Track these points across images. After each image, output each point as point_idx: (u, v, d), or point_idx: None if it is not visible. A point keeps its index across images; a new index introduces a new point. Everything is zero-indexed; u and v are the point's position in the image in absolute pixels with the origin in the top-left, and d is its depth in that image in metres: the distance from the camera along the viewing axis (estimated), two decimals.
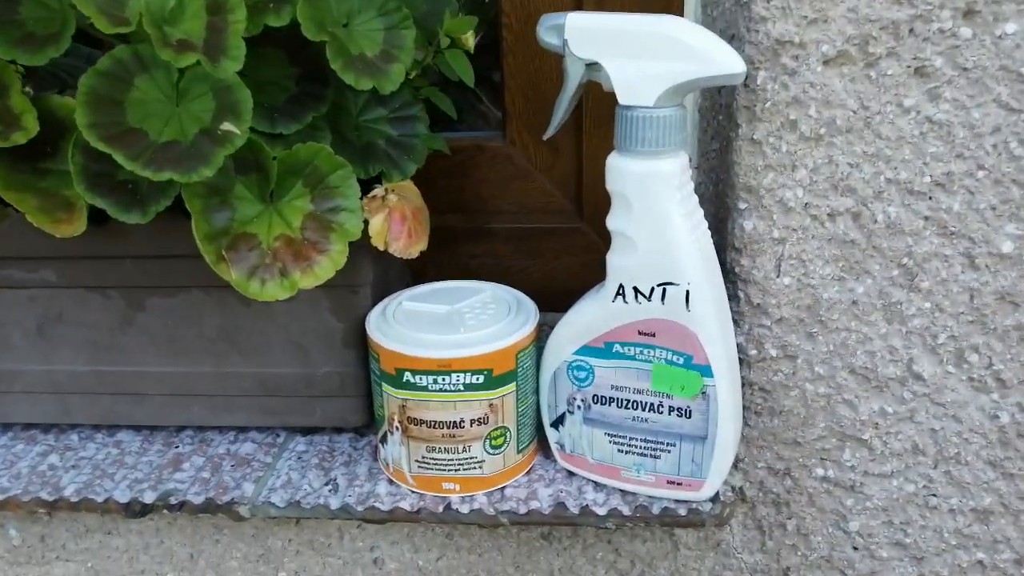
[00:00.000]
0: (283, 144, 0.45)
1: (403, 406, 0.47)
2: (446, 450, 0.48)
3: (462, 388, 0.46)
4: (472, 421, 0.47)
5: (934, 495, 0.54)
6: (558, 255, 0.69)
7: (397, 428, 0.48)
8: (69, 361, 0.53)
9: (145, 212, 0.44)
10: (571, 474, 0.52)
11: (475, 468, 0.49)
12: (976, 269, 0.49)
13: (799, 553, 0.56)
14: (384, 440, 0.50)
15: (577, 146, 0.67)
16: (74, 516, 0.56)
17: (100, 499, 0.50)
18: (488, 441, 0.48)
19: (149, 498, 0.50)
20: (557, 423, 0.51)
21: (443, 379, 0.46)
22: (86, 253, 0.49)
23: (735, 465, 0.54)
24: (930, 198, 0.48)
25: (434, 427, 0.47)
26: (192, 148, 0.40)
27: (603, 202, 0.46)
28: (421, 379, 0.46)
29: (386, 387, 0.48)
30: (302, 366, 0.53)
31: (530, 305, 0.52)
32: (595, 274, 0.49)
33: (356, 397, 0.54)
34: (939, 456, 0.53)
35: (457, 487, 0.49)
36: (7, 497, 0.51)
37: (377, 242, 0.47)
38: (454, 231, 0.69)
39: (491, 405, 0.47)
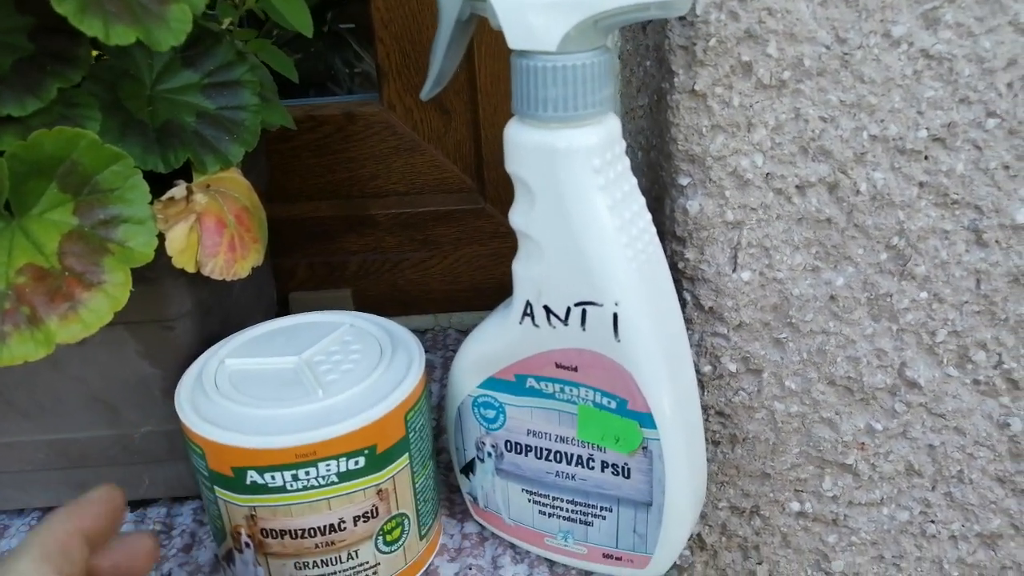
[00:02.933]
0: (20, 131, 0.31)
1: (252, 516, 0.33)
2: (324, 562, 0.34)
3: (335, 480, 0.32)
4: (356, 519, 0.33)
5: (932, 521, 0.44)
6: (459, 244, 0.56)
7: (247, 545, 0.34)
8: None
9: None
10: (483, 538, 0.40)
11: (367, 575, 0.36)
12: (984, 246, 0.38)
13: None
14: (229, 560, 0.35)
15: (472, 108, 0.53)
16: None
17: None
18: (380, 538, 0.35)
19: None
20: (467, 470, 0.39)
21: (306, 473, 0.32)
22: None
23: None
24: (926, 158, 0.37)
25: (302, 536, 0.33)
26: None
27: (507, 178, 0.33)
28: (274, 478, 0.32)
29: (222, 493, 0.33)
30: (113, 427, 0.39)
31: (408, 338, 0.37)
32: (507, 265, 0.36)
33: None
34: (938, 476, 0.43)
35: None
36: None
37: (183, 262, 0.34)
38: (327, 223, 0.55)
39: (380, 492, 0.34)
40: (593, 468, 0.35)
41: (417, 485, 0.36)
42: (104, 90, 0.34)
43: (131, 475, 0.41)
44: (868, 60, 0.35)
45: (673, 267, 0.39)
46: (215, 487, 0.33)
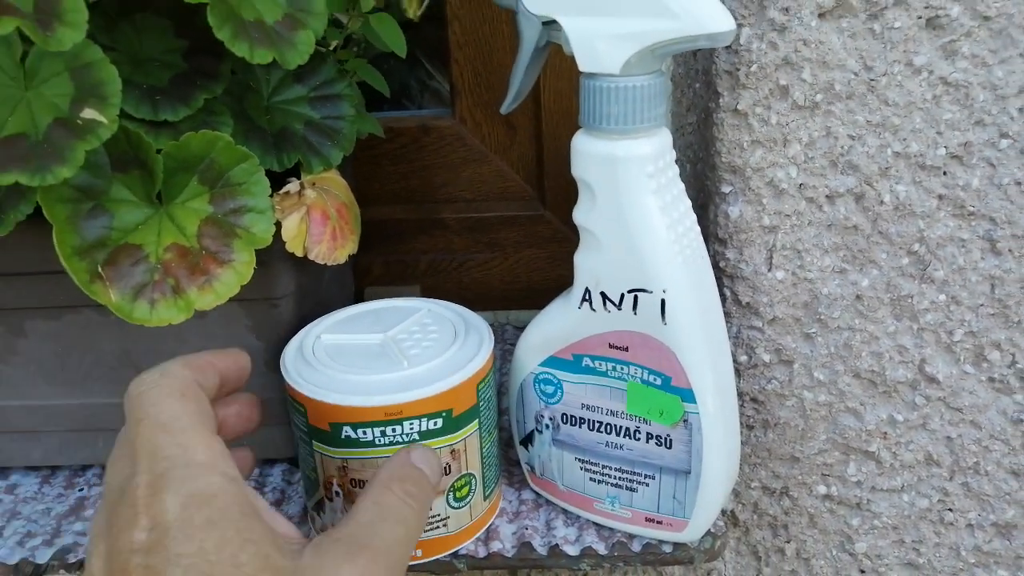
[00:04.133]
0: (172, 133, 0.37)
1: (344, 467, 0.38)
2: None
3: (417, 437, 0.37)
4: None
5: (950, 510, 0.47)
6: (520, 247, 0.61)
7: (337, 494, 0.39)
8: None
9: (2, 222, 0.36)
10: (538, 504, 0.45)
11: (439, 527, 0.40)
12: (998, 254, 0.42)
13: None
14: (320, 509, 0.41)
15: (536, 123, 0.59)
16: None
17: None
18: (451, 494, 0.40)
19: (43, 556, 0.43)
20: (526, 441, 0.44)
21: (393, 430, 0.37)
22: None
23: None
24: (945, 173, 0.41)
25: None
26: (45, 142, 0.32)
27: (568, 186, 0.39)
28: (365, 433, 0.37)
29: (318, 446, 0.38)
30: None
31: (479, 322, 0.42)
32: (563, 267, 0.41)
33: (285, 425, 0.46)
34: (955, 467, 0.46)
35: (419, 552, 0.41)
36: None
37: (294, 247, 0.40)
38: (402, 224, 0.61)
39: (453, 451, 0.38)
40: (639, 439, 0.40)
41: (484, 450, 0.40)
42: (233, 102, 0.41)
43: None
44: (892, 85, 0.40)
45: (715, 266, 0.44)
46: (313, 441, 0.38)
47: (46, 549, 0.43)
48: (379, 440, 0.37)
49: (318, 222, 0.40)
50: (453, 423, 0.38)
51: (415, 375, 0.37)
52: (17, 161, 0.32)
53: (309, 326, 0.42)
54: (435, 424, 0.37)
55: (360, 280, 0.62)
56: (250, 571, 0.25)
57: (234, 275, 0.37)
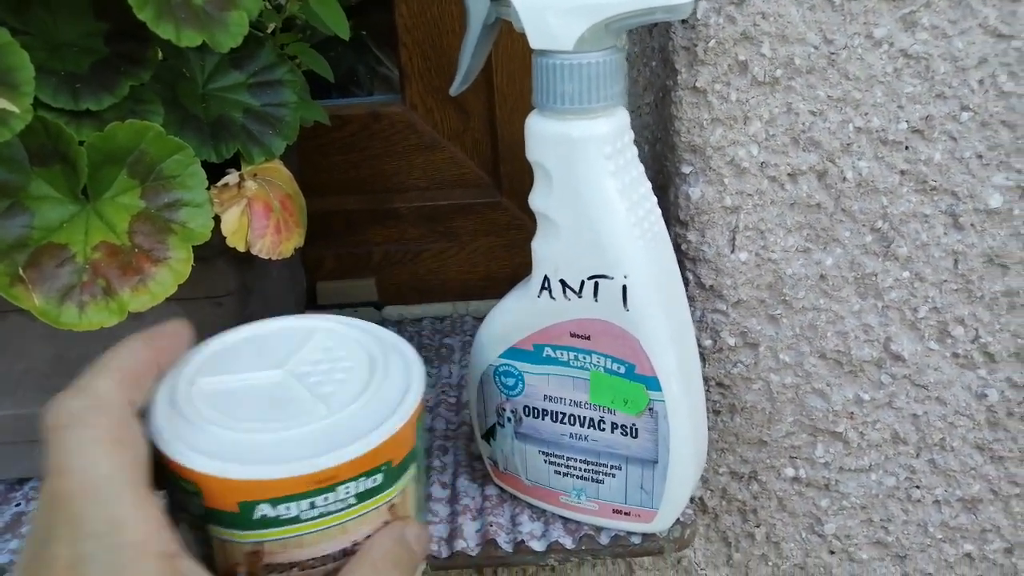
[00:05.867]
0: (96, 124, 0.35)
1: (256, 552, 0.28)
2: None
3: (354, 502, 0.28)
4: (367, 537, 0.30)
5: (917, 487, 0.47)
6: (477, 235, 0.60)
7: None
8: None
9: None
10: (502, 500, 0.44)
11: None
12: (960, 229, 0.42)
13: (770, 563, 0.49)
14: None
15: (489, 107, 0.57)
16: None
17: None
18: None
19: None
20: (488, 436, 0.42)
21: (324, 499, 0.27)
22: None
23: None
24: (907, 148, 0.40)
25: (311, 566, 0.29)
26: None
27: (524, 172, 0.37)
28: (288, 509, 0.27)
29: (220, 531, 0.28)
30: None
31: (394, 339, 0.32)
32: (522, 255, 0.39)
33: None
34: (922, 444, 0.46)
35: None
36: None
37: (235, 242, 0.37)
38: (353, 216, 0.59)
39: (392, 506, 0.30)
40: (604, 429, 0.39)
41: (419, 492, 0.32)
42: (165, 89, 0.38)
43: None
44: (852, 59, 0.39)
45: (677, 248, 0.43)
46: (210, 526, 0.28)
47: None
48: (306, 515, 0.28)
49: (260, 215, 0.38)
50: (393, 475, 0.29)
51: (342, 423, 0.28)
52: None
53: (179, 365, 0.30)
54: (375, 482, 0.28)
55: (312, 275, 0.60)
56: None
57: (170, 274, 0.35)
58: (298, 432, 0.27)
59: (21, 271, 0.33)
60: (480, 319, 0.60)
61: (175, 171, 0.36)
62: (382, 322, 0.61)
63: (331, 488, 0.27)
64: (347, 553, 0.29)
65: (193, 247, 0.35)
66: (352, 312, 0.61)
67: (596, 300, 0.36)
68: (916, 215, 0.42)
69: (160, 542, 0.23)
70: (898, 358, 0.44)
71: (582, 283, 0.36)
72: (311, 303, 0.60)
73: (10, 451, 0.44)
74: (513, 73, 0.55)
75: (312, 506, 0.27)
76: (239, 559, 0.28)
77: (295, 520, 0.27)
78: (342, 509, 0.28)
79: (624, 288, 0.35)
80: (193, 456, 0.26)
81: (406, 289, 0.61)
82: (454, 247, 0.60)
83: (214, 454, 0.26)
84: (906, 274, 0.43)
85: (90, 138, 0.34)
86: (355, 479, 0.28)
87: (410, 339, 0.58)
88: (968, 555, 0.49)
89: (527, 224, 0.59)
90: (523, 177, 0.57)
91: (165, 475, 0.27)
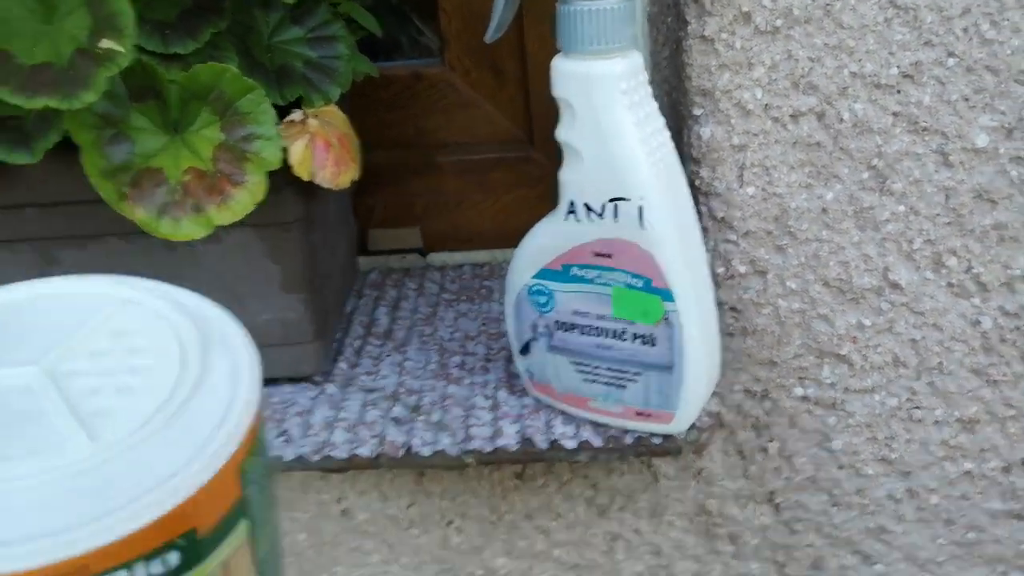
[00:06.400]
0: (182, 66, 0.41)
1: None
2: None
3: None
4: None
5: (918, 408, 0.51)
6: (511, 187, 0.65)
7: None
8: None
9: (32, 151, 0.39)
10: (538, 408, 0.49)
11: None
12: (950, 167, 0.46)
13: (783, 476, 0.53)
14: None
15: (522, 68, 0.62)
16: None
17: None
18: None
19: None
20: (524, 350, 0.47)
21: None
22: None
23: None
24: (898, 91, 0.45)
25: None
26: (69, 70, 0.36)
27: (554, 127, 0.42)
28: None
29: None
30: (240, 315, 0.49)
31: (222, 321, 0.22)
32: (552, 205, 0.44)
33: (303, 344, 0.50)
34: (921, 367, 0.50)
35: None
36: None
37: (300, 172, 0.43)
38: (398, 169, 0.65)
39: None
40: (626, 340, 0.44)
41: (261, 554, 0.20)
42: (237, 41, 0.44)
43: None
44: (846, 9, 0.43)
45: (691, 184, 0.47)
46: None
47: None
48: None
49: (321, 149, 0.44)
50: (200, 548, 0.18)
51: (109, 467, 0.17)
52: (46, 87, 0.36)
53: None
54: (165, 566, 0.17)
55: (362, 223, 0.66)
56: None
57: (248, 195, 0.41)
58: (30, 481, 0.17)
59: (126, 190, 0.39)
60: None
61: (249, 108, 0.41)
62: (426, 268, 0.67)
63: None
64: None
65: (265, 173, 0.41)
66: (400, 259, 0.67)
67: (616, 220, 0.41)
68: (909, 154, 0.46)
69: None
70: (896, 286, 0.48)
71: (603, 205, 0.41)
72: (362, 249, 0.66)
73: None
74: (543, 37, 0.60)
75: None
76: None
77: None
78: None
79: (640, 208, 0.40)
80: None
81: (448, 237, 0.66)
82: (490, 198, 0.65)
83: None
84: (901, 208, 0.47)
85: (178, 78, 0.40)
86: (125, 567, 0.17)
87: (451, 284, 0.64)
88: (968, 472, 0.53)
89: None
90: (553, 133, 0.62)
91: None
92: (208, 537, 0.18)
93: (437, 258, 0.67)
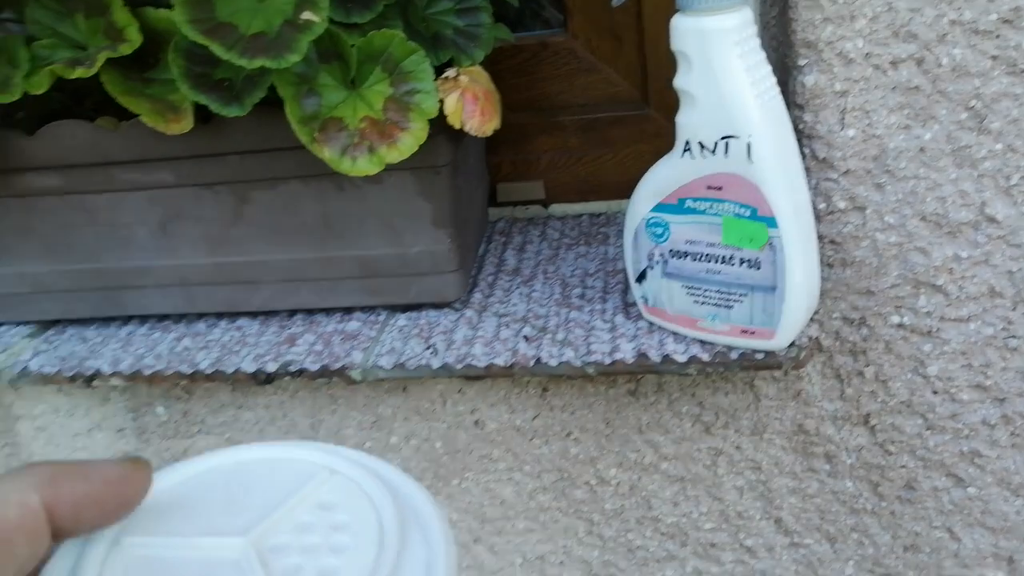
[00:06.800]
0: (359, 34, 0.49)
1: None
2: None
3: None
4: None
5: (1013, 336, 0.55)
6: (629, 143, 0.71)
7: None
8: (190, 256, 0.59)
9: (243, 104, 0.49)
10: (651, 330, 0.55)
11: None
12: None
13: (879, 399, 0.58)
14: None
15: (639, 35, 0.68)
16: (210, 392, 0.63)
17: (230, 371, 0.57)
18: None
19: (272, 368, 0.56)
20: (640, 278, 0.54)
21: None
22: (195, 153, 0.55)
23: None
24: (997, 36, 0.48)
25: None
26: (278, 38, 0.44)
27: (667, 90, 0.48)
28: None
29: None
30: (396, 247, 0.57)
31: (416, 495, 0.23)
32: None
33: (448, 273, 0.58)
34: (1017, 298, 0.54)
35: None
36: (153, 372, 0.58)
37: (453, 120, 0.51)
38: (525, 128, 0.72)
39: None
40: (733, 264, 0.50)
41: None
42: (400, 11, 0.52)
43: (404, 285, 0.59)
44: None
45: (795, 128, 0.52)
46: None
47: (273, 363, 0.57)
48: None
49: (470, 101, 0.51)
50: None
51: None
52: (261, 51, 0.45)
53: (104, 531, 0.21)
54: None
55: (492, 178, 0.73)
56: None
57: (412, 138, 0.49)
58: None
59: (316, 134, 0.48)
60: None
61: (412, 67, 0.49)
62: (548, 218, 0.74)
63: None
64: None
65: (427, 121, 0.49)
66: (524, 210, 0.74)
67: (726, 156, 0.47)
68: (1007, 94, 0.49)
69: None
70: (993, 220, 0.52)
71: (716, 143, 0.47)
72: (492, 200, 0.74)
73: (286, 287, 0.60)
74: (658, 5, 0.66)
75: None
76: None
77: None
78: None
79: (748, 145, 0.46)
80: None
81: (568, 190, 0.73)
82: (609, 153, 0.71)
83: None
84: (999, 146, 0.50)
85: (357, 43, 0.48)
86: None
87: (571, 231, 0.71)
88: None
89: (670, 132, 0.70)
90: (668, 93, 0.67)
91: None
92: None
93: (558, 209, 0.75)
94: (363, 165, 0.48)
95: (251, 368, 0.56)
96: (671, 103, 0.48)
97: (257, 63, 0.44)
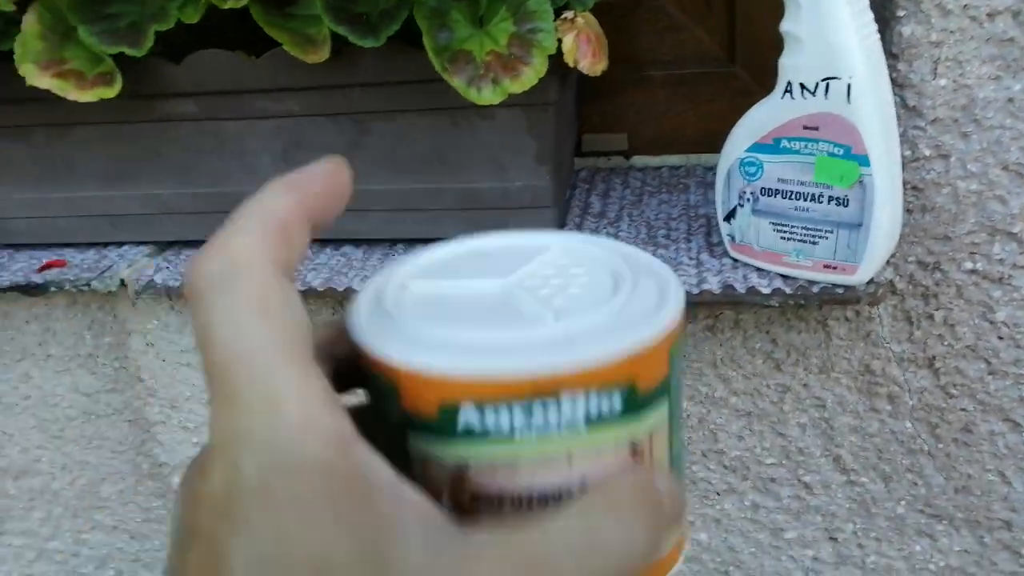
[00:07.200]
0: None
1: (460, 475, 0.24)
2: None
3: (581, 425, 0.23)
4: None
5: None
6: (712, 98, 0.75)
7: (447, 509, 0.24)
8: None
9: (378, 36, 0.53)
10: (736, 267, 0.59)
11: None
12: None
13: (945, 343, 0.61)
14: None
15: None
16: (312, 312, 0.68)
17: (340, 288, 0.61)
18: None
19: None
20: (729, 217, 0.58)
21: (544, 412, 0.23)
22: (324, 83, 0.59)
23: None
24: None
25: (528, 505, 0.24)
26: None
27: (754, 49, 0.52)
28: (499, 418, 0.23)
29: (420, 444, 0.24)
30: (500, 181, 0.62)
31: (653, 262, 0.27)
32: None
33: (545, 208, 0.62)
34: None
35: None
36: None
37: (568, 58, 0.55)
38: (615, 82, 0.76)
39: (634, 448, 0.25)
40: (822, 202, 0.53)
41: (674, 450, 0.26)
42: None
43: (503, 218, 0.64)
44: None
45: (889, 78, 0.56)
46: (410, 434, 0.24)
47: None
48: (521, 431, 0.23)
49: (584, 42, 0.55)
50: (637, 403, 0.24)
51: (571, 333, 0.23)
52: None
53: (386, 271, 0.28)
54: (609, 406, 0.23)
55: (580, 128, 0.77)
56: (343, 561, 0.19)
57: (533, 72, 0.53)
58: (517, 334, 0.23)
59: (447, 65, 0.52)
60: (710, 168, 0.75)
61: (535, 8, 0.54)
62: (629, 168, 0.78)
63: (552, 400, 0.23)
64: (571, 494, 0.24)
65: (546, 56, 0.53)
66: (606, 161, 0.78)
67: (826, 97, 0.51)
68: None
69: (325, 422, 0.20)
70: None
71: (816, 84, 0.51)
72: (576, 150, 0.78)
73: (392, 216, 0.65)
74: None
75: (528, 420, 0.23)
76: (441, 483, 0.24)
77: (508, 436, 0.23)
78: (567, 432, 0.23)
79: (848, 86, 0.50)
80: (391, 347, 0.23)
81: (649, 143, 0.77)
82: (692, 108, 0.75)
83: (415, 346, 0.23)
84: None
85: None
86: (584, 394, 0.23)
87: (652, 181, 0.75)
88: None
89: (755, 91, 0.73)
90: (754, 51, 0.71)
91: (364, 378, 0.25)
92: (643, 397, 0.24)
93: (639, 160, 0.78)
94: (487, 95, 0.52)
95: (360, 288, 0.61)
96: (756, 63, 0.51)
97: None
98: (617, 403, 0.23)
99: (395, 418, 0.24)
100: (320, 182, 0.23)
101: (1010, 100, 0.54)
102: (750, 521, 0.71)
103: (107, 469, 0.81)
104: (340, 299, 0.62)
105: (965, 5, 0.53)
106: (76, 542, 0.85)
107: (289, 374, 0.20)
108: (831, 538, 0.71)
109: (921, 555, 0.69)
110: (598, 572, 0.21)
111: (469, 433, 0.23)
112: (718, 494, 0.72)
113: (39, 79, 0.56)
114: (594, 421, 0.23)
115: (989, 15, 0.53)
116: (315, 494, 0.19)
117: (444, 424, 0.23)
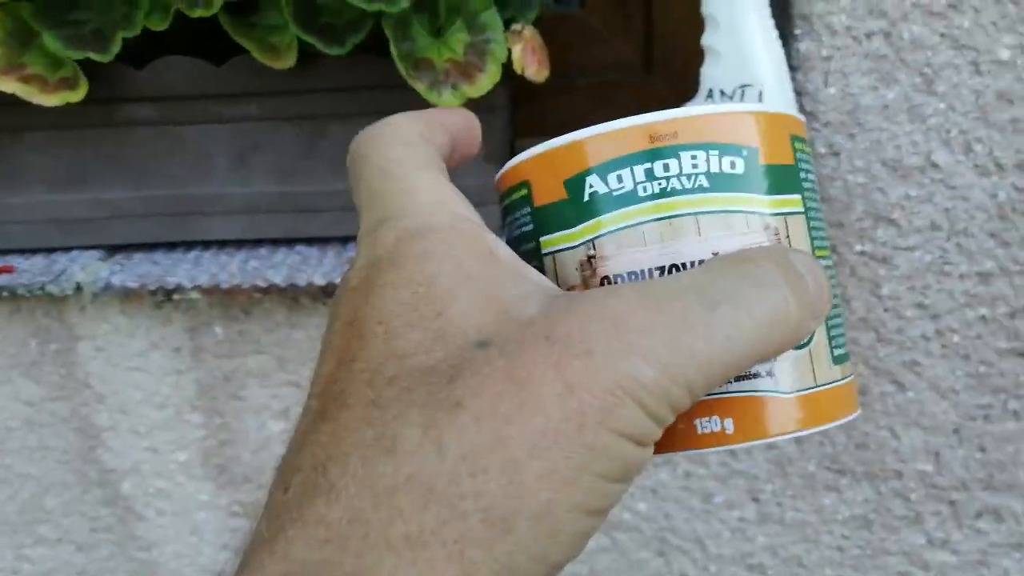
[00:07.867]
0: None
1: (590, 260, 0.24)
2: None
3: (704, 183, 0.23)
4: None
5: (948, 263, 0.69)
6: (630, 108, 0.83)
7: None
8: (261, 184, 0.67)
9: (344, 45, 0.58)
10: None
11: (759, 380, 0.23)
12: (980, 74, 0.63)
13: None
14: None
15: (647, 13, 0.80)
16: (268, 312, 0.71)
17: (302, 284, 0.65)
18: None
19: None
20: None
21: (665, 168, 0.23)
22: (287, 89, 0.63)
23: None
24: (945, 18, 0.62)
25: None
26: None
27: (672, 59, 0.59)
28: (620, 179, 0.23)
29: (551, 243, 0.25)
30: (452, 179, 0.67)
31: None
32: None
33: (493, 205, 0.68)
34: (951, 230, 0.67)
35: (724, 425, 0.23)
36: (231, 285, 0.65)
37: (517, 66, 0.61)
38: (540, 89, 0.83)
39: (767, 226, 0.23)
40: None
41: (815, 239, 0.25)
42: None
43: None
44: None
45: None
46: (541, 240, 0.25)
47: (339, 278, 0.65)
48: (642, 190, 0.23)
49: (530, 52, 0.62)
50: (762, 174, 0.23)
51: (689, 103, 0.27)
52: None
53: None
54: (732, 166, 0.23)
55: (511, 134, 0.84)
56: (465, 308, 0.20)
57: (488, 78, 0.59)
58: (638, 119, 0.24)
59: (411, 71, 0.57)
60: None
61: (486, 21, 0.59)
62: None
63: (672, 151, 0.22)
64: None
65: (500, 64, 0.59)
66: None
67: (742, 101, 0.59)
68: (950, 64, 0.63)
69: (454, 204, 0.22)
70: (936, 166, 0.66)
71: (734, 90, 0.59)
72: (511, 152, 0.84)
73: (343, 216, 0.69)
74: None
75: (649, 179, 0.23)
76: (574, 278, 0.24)
77: (631, 198, 0.23)
78: (690, 190, 0.22)
79: (760, 92, 0.58)
80: (522, 154, 0.25)
81: None
82: (613, 113, 0.83)
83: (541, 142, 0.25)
84: (942, 105, 0.64)
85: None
86: (704, 147, 0.22)
87: None
88: (983, 317, 0.70)
89: (668, 98, 0.81)
90: (668, 64, 0.79)
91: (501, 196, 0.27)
92: (767, 169, 0.23)
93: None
94: (448, 98, 0.58)
95: (322, 282, 0.65)
96: (670, 72, 0.59)
97: (375, 7, 0.53)
98: (740, 166, 0.23)
99: (527, 222, 0.25)
100: (453, 117, 0.27)
101: (885, 106, 0.64)
102: (683, 489, 0.79)
103: (50, 480, 0.80)
104: (300, 295, 0.66)
105: (848, 26, 0.63)
106: (17, 558, 0.83)
107: (424, 178, 0.23)
108: (754, 499, 0.79)
109: (830, 508, 0.79)
110: (738, 328, 0.19)
111: (594, 205, 0.23)
112: (655, 465, 0.79)
113: (2, 84, 0.57)
114: (718, 180, 0.22)
115: (867, 35, 0.63)
116: (443, 250, 0.21)
117: (571, 205, 0.24)
